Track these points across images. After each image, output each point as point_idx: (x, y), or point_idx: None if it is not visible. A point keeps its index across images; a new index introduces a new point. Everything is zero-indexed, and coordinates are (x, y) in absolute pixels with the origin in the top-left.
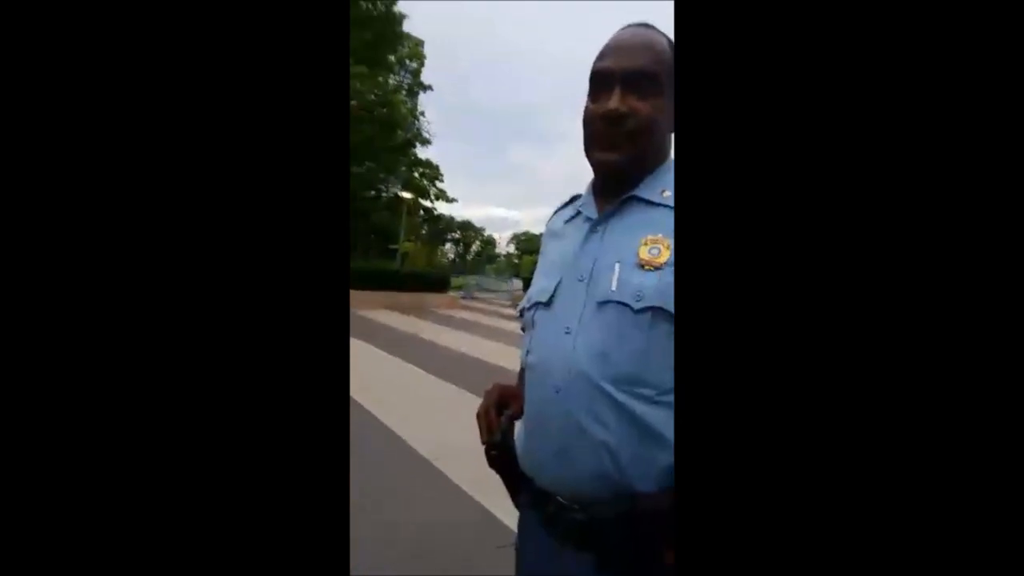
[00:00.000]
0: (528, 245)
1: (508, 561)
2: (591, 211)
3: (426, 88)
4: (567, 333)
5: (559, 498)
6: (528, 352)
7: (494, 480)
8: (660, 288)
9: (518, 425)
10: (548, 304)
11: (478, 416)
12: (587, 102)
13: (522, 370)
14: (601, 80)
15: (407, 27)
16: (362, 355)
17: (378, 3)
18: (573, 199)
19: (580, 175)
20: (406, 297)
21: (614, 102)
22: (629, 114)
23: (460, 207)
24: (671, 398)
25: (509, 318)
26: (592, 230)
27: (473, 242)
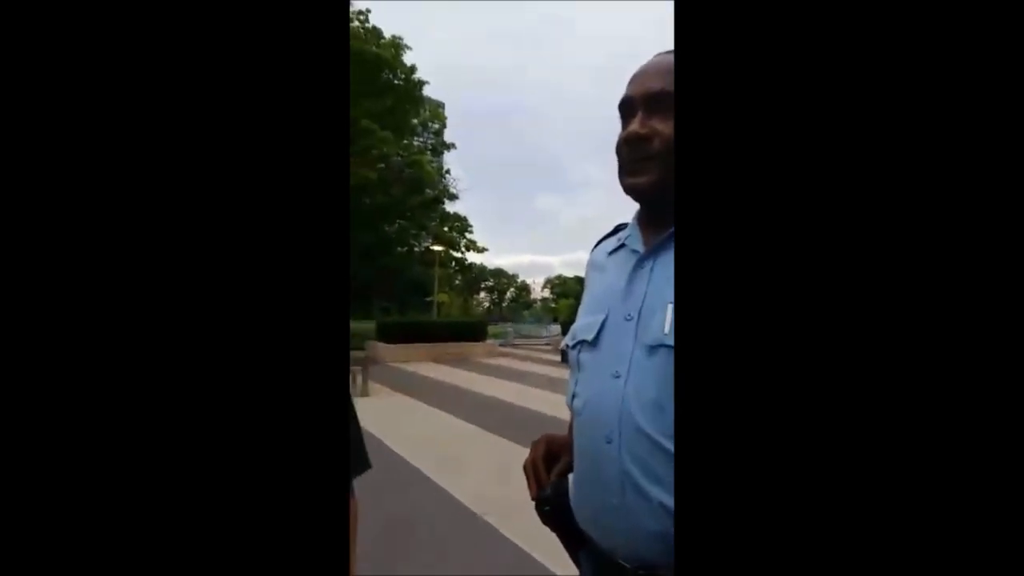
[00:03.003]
0: (563, 288)
1: None
2: (637, 244)
3: (449, 147)
4: (616, 377)
5: (619, 559)
6: (575, 396)
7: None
8: None
9: (572, 476)
10: (594, 343)
11: (525, 469)
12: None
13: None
14: (625, 108)
15: (427, 91)
16: (413, 411)
17: (398, 72)
18: (617, 229)
19: (606, 218)
20: (447, 348)
21: (635, 125)
22: (651, 135)
23: (492, 256)
24: None
25: (551, 363)
26: (639, 265)
27: (507, 289)
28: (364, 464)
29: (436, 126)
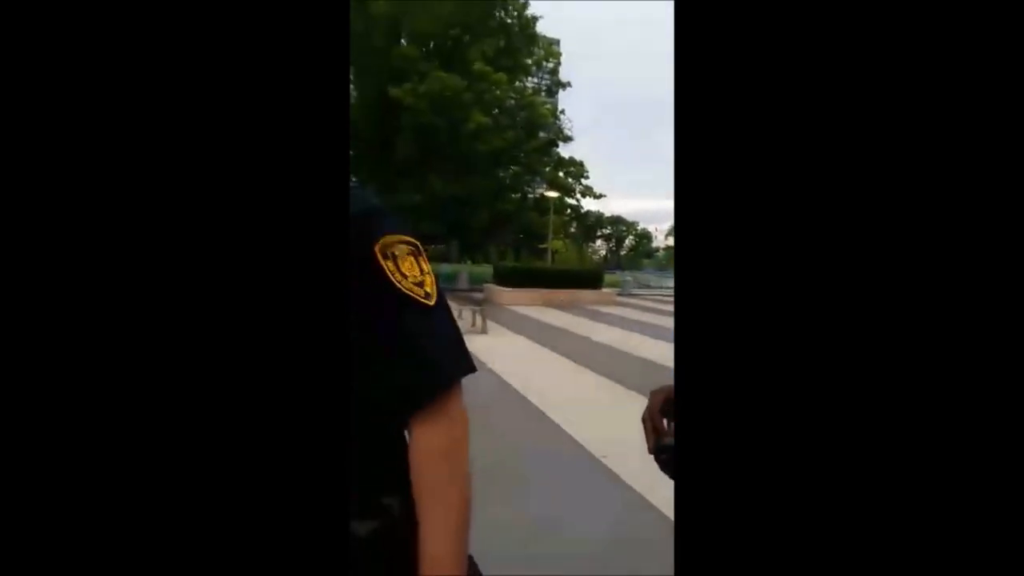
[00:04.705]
0: None
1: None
2: None
3: (564, 86)
4: None
5: None
6: None
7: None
8: None
9: None
10: None
11: (643, 420)
12: None
13: None
14: None
15: (540, 28)
16: (526, 352)
17: (510, 8)
18: None
19: None
20: (561, 295)
21: None
22: None
23: (610, 201)
24: None
25: (671, 315)
26: None
27: (626, 237)
28: (469, 366)
29: (551, 64)
